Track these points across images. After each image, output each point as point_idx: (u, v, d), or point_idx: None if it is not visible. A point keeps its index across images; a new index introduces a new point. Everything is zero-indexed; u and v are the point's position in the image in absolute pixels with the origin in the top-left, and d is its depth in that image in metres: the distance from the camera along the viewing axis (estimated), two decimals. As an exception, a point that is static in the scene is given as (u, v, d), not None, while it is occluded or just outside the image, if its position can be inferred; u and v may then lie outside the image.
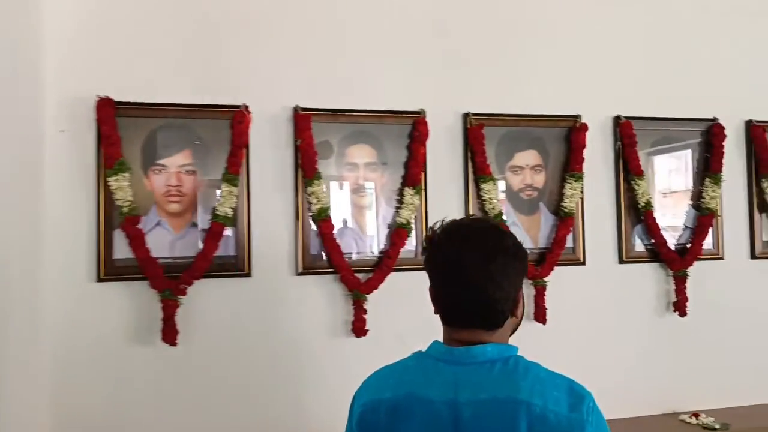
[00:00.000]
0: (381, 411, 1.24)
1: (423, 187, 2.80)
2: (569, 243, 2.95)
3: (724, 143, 3.13)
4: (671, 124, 3.12)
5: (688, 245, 3.09)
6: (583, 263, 2.98)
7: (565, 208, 2.92)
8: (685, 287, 3.02)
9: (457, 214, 2.85)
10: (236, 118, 2.58)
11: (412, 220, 2.75)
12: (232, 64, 2.66)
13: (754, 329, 3.17)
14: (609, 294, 3.02)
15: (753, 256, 3.20)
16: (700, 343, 3.09)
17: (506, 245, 1.26)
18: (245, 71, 2.67)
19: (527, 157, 2.95)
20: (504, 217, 2.84)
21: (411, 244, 2.79)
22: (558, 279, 2.91)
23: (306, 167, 2.63)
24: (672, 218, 3.12)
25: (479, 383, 1.19)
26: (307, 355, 2.67)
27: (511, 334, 1.32)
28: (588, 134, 2.97)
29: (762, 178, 3.19)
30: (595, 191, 3.02)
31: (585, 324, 2.97)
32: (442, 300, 1.28)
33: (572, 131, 2.97)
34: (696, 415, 2.89)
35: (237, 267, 2.60)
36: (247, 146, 2.62)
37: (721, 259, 3.16)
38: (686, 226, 3.12)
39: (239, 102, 2.61)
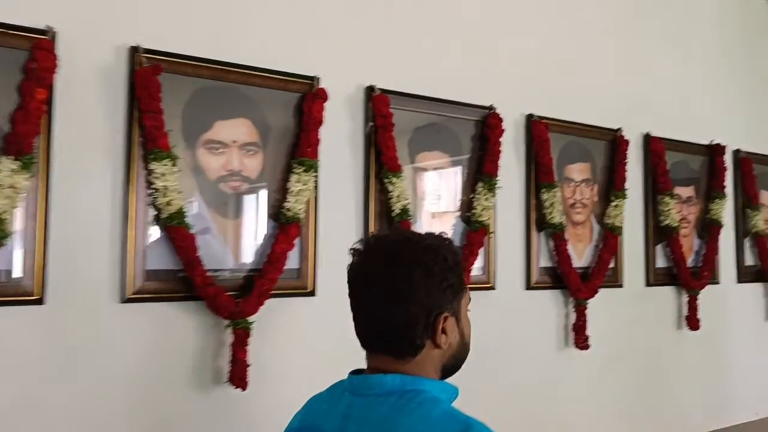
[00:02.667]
0: None
1: (42, 162, 1.62)
2: (292, 263, 1.97)
3: (501, 139, 2.42)
4: (440, 107, 2.32)
5: (454, 270, 2.30)
6: (312, 293, 2.03)
7: (289, 210, 1.94)
8: (447, 328, 2.22)
9: (106, 207, 1.73)
10: None
11: (7, 215, 1.55)
12: None
13: (529, 382, 2.50)
14: (347, 335, 2.11)
15: (528, 286, 2.53)
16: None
17: (416, 259, 1.05)
18: None
19: (235, 130, 1.93)
20: (188, 218, 1.78)
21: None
22: (272, 315, 1.93)
23: None
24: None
25: (365, 418, 1.04)
26: None
27: (449, 372, 1.10)
28: (328, 106, 2.04)
29: (542, 187, 2.54)
30: (335, 190, 2.10)
31: (310, 381, 2.01)
32: (354, 320, 1.12)
33: (306, 99, 2.02)
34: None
35: None
36: None
37: (492, 288, 2.43)
38: (453, 245, 2.34)
39: None
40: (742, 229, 3.35)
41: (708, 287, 3.10)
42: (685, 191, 3.10)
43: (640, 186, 2.95)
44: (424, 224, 2.26)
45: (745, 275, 3.35)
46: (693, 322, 2.98)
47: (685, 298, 3.02)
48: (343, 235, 2.10)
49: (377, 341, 1.09)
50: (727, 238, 3.28)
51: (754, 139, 3.47)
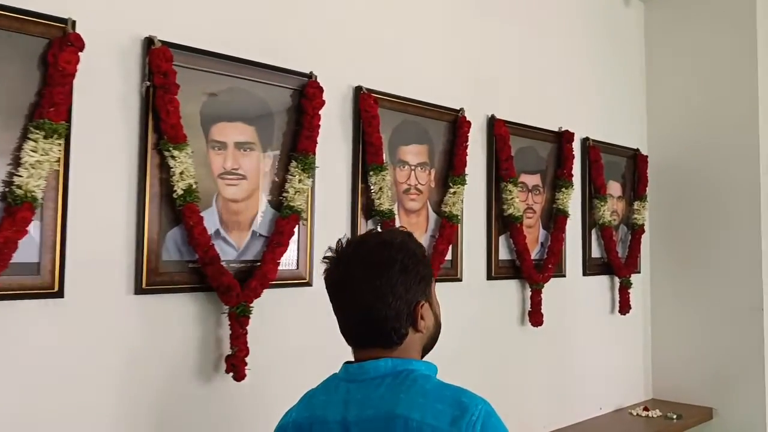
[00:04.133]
0: None
1: None
2: (28, 256, 1.53)
3: (320, 112, 2.09)
4: (244, 69, 1.95)
5: (258, 264, 1.95)
6: (58, 293, 1.59)
7: (20, 187, 1.49)
8: (244, 333, 1.86)
9: None
10: None
11: None
12: None
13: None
14: (101, 344, 1.70)
15: (353, 281, 2.23)
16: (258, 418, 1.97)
17: (394, 259, 1.19)
18: None
19: (-60, 79, 1.46)
20: None
21: None
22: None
23: None
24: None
25: (366, 400, 1.16)
26: None
27: (426, 351, 1.27)
28: (91, 60, 1.63)
29: (370, 170, 2.25)
30: (97, 163, 1.68)
31: (48, 411, 1.59)
32: (338, 321, 1.25)
33: (53, 47, 1.58)
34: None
35: None
36: None
37: (308, 285, 2.10)
38: (259, 234, 1.99)
39: None
40: (589, 220, 3.25)
41: (553, 280, 2.96)
42: (532, 179, 2.94)
43: (483, 172, 2.74)
44: (219, 209, 1.89)
45: (591, 268, 3.25)
46: (536, 318, 2.81)
47: (529, 292, 2.86)
48: (106, 219, 1.70)
49: (366, 337, 1.21)
50: (573, 230, 3.16)
51: (604, 128, 3.39)
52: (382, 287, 1.17)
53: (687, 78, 3.58)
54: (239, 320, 1.84)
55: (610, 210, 3.33)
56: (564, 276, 3.08)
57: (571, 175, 3.04)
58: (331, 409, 1.19)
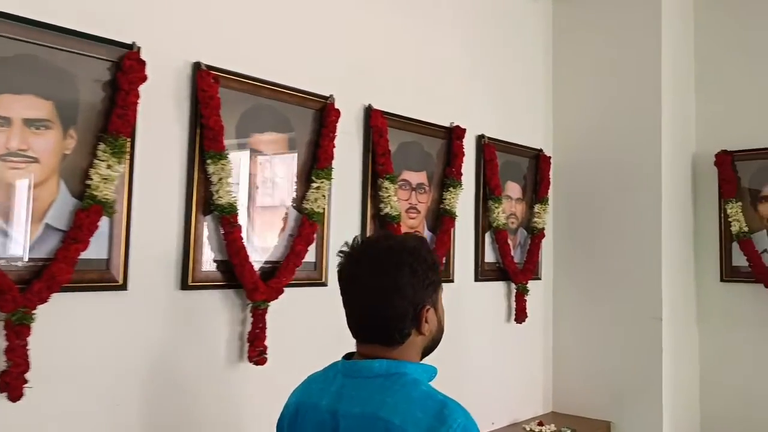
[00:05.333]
0: (287, 415, 1.33)
1: None
2: None
3: (141, 88, 1.81)
4: (43, 35, 1.66)
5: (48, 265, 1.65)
6: None
7: None
8: (23, 345, 1.55)
9: None
10: None
11: None
12: None
13: (198, 407, 1.90)
14: None
15: (185, 286, 1.94)
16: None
17: (402, 261, 1.24)
18: None
19: None
20: None
21: None
22: None
23: None
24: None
25: (356, 397, 1.22)
26: None
27: (427, 353, 1.32)
28: None
29: (208, 157, 1.97)
30: None
31: None
32: (346, 314, 1.30)
33: None
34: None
35: None
36: None
37: (122, 288, 1.80)
38: (55, 228, 1.68)
39: None
40: (483, 223, 3.05)
41: (439, 286, 2.75)
42: (416, 177, 2.71)
43: (359, 168, 2.50)
44: (-1, 197, 1.59)
45: (484, 273, 3.05)
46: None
47: (409, 298, 2.62)
48: None
49: (369, 332, 1.27)
50: (465, 232, 2.96)
51: (505, 127, 3.20)
52: (390, 287, 1.21)
53: (594, 79, 3.44)
54: (16, 329, 1.54)
55: (507, 212, 3.15)
56: (452, 281, 2.87)
57: (460, 174, 2.83)
58: (325, 397, 1.26)
